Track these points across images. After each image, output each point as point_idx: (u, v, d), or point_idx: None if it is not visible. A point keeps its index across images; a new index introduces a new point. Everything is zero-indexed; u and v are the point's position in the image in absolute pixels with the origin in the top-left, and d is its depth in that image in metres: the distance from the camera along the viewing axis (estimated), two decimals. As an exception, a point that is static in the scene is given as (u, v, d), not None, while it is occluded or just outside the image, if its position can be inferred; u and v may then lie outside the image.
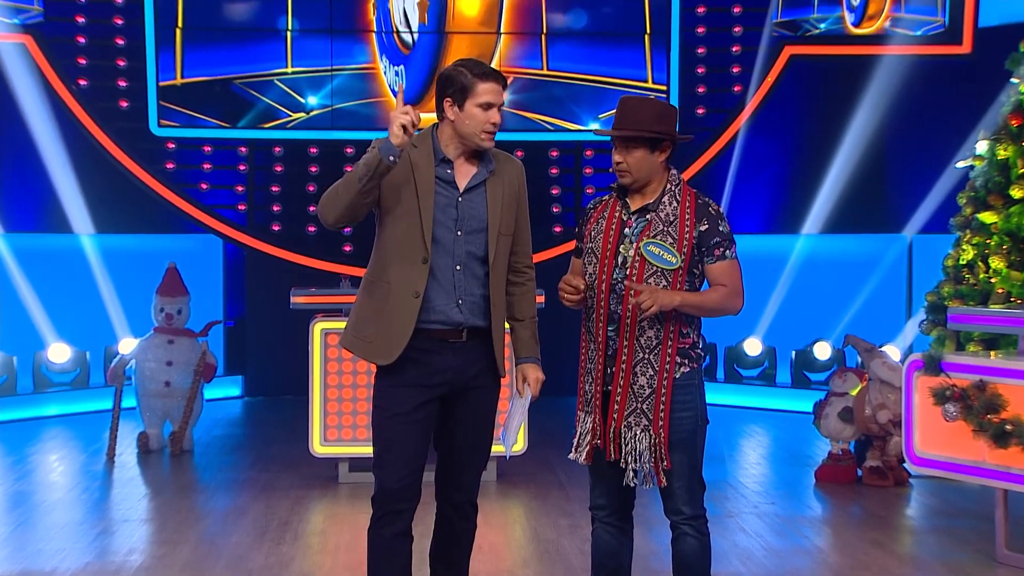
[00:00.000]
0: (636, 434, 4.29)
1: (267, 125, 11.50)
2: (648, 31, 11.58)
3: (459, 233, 4.32)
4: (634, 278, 4.28)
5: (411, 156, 4.32)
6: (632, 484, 4.35)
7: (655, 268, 4.28)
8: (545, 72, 11.61)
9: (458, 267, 4.33)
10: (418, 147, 4.34)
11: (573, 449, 4.45)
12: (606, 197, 4.50)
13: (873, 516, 7.10)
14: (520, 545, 6.56)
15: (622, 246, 4.34)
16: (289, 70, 11.49)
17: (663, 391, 4.29)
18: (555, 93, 11.68)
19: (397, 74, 11.48)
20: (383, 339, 4.32)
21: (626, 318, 4.28)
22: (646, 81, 11.64)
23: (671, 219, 4.32)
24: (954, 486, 7.46)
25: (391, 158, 4.15)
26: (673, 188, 4.37)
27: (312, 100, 11.51)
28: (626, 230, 4.36)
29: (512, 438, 4.52)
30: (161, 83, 11.30)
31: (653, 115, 4.33)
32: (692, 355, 4.37)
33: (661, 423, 4.29)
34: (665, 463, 4.29)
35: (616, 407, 4.31)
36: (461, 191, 4.35)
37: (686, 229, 4.30)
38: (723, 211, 4.45)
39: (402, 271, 4.30)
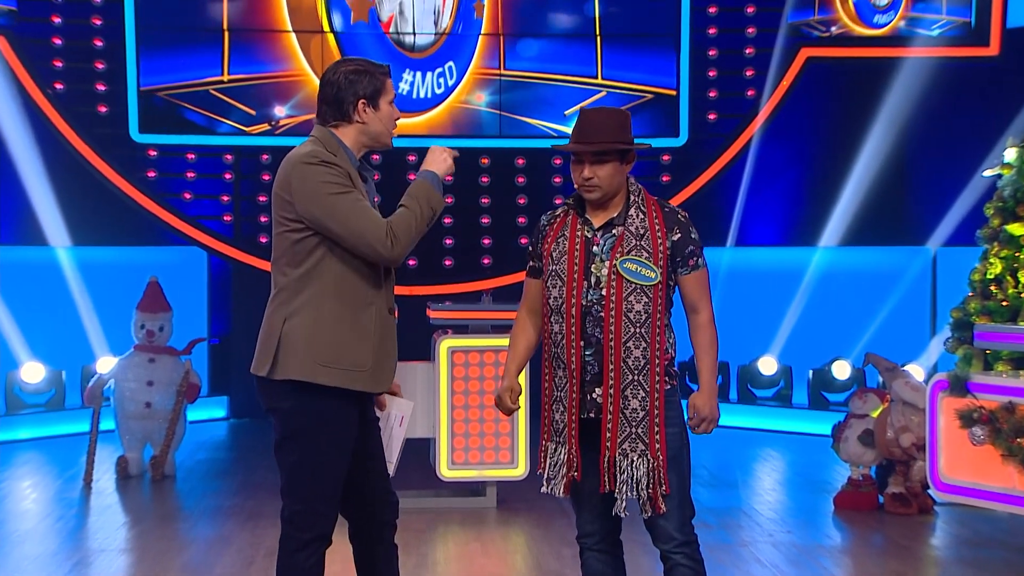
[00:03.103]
0: (633, 460, 4.26)
1: (254, 131, 11.51)
2: (598, 32, 11.67)
3: None
4: (612, 298, 4.25)
5: (346, 169, 4.28)
6: (623, 515, 4.31)
7: (634, 285, 4.25)
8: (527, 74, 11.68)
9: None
10: (337, 156, 4.28)
11: (544, 484, 4.40)
12: (559, 212, 4.44)
13: (896, 546, 7.09)
14: (521, 576, 6.56)
15: (592, 265, 4.29)
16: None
17: (656, 412, 4.27)
18: (542, 95, 11.73)
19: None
20: (376, 364, 4.28)
21: (609, 341, 4.24)
22: (595, 78, 11.68)
23: (642, 232, 4.28)
24: (982, 514, 7.45)
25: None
26: (636, 199, 4.34)
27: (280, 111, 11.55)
28: (594, 248, 4.31)
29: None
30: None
31: (618, 125, 4.30)
32: (671, 372, 4.38)
33: (658, 445, 4.27)
34: (664, 487, 4.27)
35: (608, 435, 4.26)
36: (374, 197, 4.40)
37: (659, 240, 4.28)
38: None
39: (377, 290, 4.28)
